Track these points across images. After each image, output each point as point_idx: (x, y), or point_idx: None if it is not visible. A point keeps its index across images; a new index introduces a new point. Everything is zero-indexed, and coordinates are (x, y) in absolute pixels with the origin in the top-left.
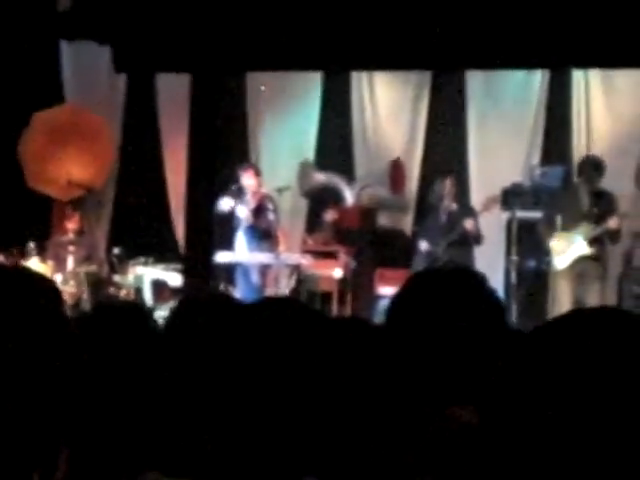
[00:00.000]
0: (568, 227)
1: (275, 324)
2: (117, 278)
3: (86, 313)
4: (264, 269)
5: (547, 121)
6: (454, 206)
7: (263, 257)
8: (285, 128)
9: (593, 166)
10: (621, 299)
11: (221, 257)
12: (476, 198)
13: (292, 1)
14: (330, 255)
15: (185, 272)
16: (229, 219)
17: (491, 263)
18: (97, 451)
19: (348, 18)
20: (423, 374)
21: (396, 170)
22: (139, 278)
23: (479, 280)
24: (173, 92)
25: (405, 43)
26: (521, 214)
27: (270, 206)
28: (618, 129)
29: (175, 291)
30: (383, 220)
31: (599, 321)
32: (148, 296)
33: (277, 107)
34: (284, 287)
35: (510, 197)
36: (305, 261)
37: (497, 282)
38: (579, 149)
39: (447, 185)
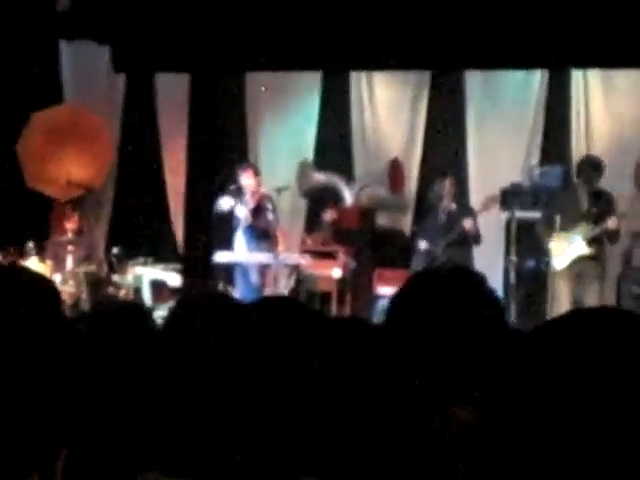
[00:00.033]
0: (567, 227)
1: (274, 324)
2: (116, 278)
3: (85, 313)
4: (263, 269)
5: (546, 121)
6: (453, 206)
7: (262, 257)
8: (284, 128)
9: (592, 166)
10: (620, 299)
11: (220, 257)
12: (475, 198)
13: (291, 1)
14: (329, 255)
15: (184, 272)
16: (228, 219)
17: (490, 263)
18: (97, 451)
19: (347, 18)
20: (423, 374)
21: (395, 170)
22: (138, 278)
23: (478, 280)
24: (172, 92)
25: (404, 43)
26: (520, 214)
27: (269, 206)
28: (617, 129)
29: (174, 291)
30: (382, 220)
31: (598, 321)
32: (147, 296)
33: (276, 107)
34: (283, 287)
35: (509, 197)
36: (304, 261)
37: (496, 282)
38: (578, 149)
39: (446, 185)
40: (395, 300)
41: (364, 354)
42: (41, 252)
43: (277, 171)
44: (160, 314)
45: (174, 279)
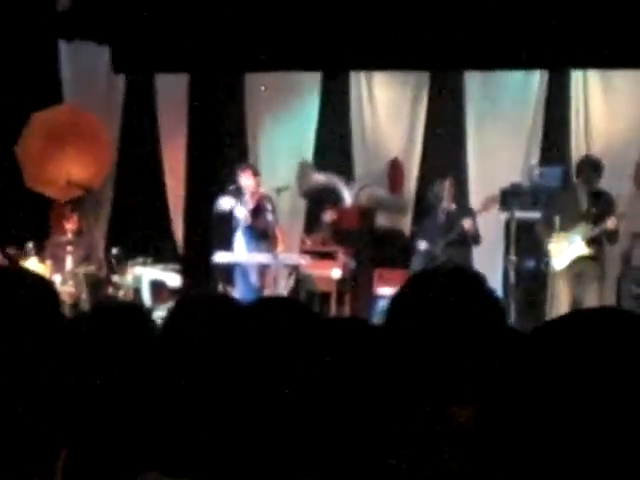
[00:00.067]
0: (566, 227)
1: (273, 324)
2: (116, 278)
3: (85, 313)
4: (263, 269)
5: (546, 121)
6: (453, 206)
7: (262, 257)
8: (284, 128)
9: (591, 166)
10: (620, 299)
11: (220, 257)
12: (475, 198)
13: (290, 2)
14: (329, 255)
15: (184, 272)
16: (228, 219)
17: (490, 263)
18: (96, 451)
19: (347, 18)
20: (422, 374)
21: (395, 170)
22: (138, 278)
23: (478, 280)
24: (172, 92)
25: (404, 43)
26: (520, 214)
27: (268, 206)
28: (616, 129)
29: (174, 291)
30: (382, 220)
31: (598, 322)
32: (147, 296)
33: (276, 107)
34: (283, 287)
35: (509, 197)
36: (304, 261)
37: (496, 282)
38: (578, 149)
39: (446, 185)
40: (395, 300)
41: (364, 355)
42: (41, 252)
43: (277, 171)
44: (159, 314)
45: (174, 279)
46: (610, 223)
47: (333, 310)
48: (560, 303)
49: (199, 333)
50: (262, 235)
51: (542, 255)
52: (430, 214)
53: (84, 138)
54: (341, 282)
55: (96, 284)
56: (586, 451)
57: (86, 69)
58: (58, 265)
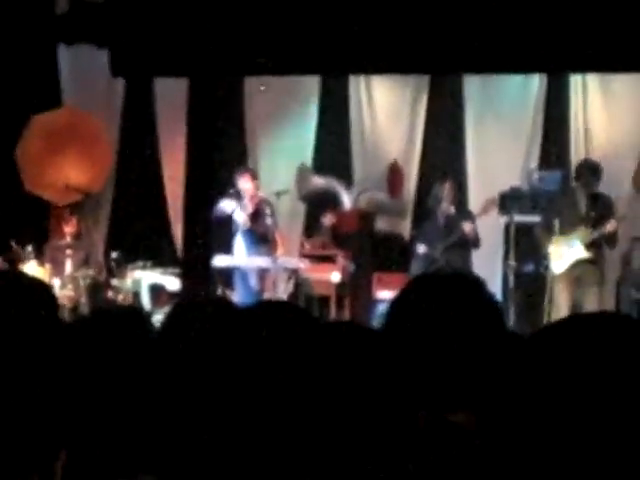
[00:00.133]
0: (566, 231)
1: (272, 328)
2: (115, 282)
3: (84, 317)
4: (262, 273)
5: (545, 125)
6: (452, 210)
7: (261, 261)
8: (283, 132)
9: (590, 170)
10: (619, 303)
11: (219, 261)
12: (474, 202)
13: (290, 5)
14: (328, 259)
15: (183, 276)
16: (227, 223)
17: (489, 267)
18: (94, 454)
19: (346, 22)
20: (421, 378)
21: (394, 174)
22: (137, 282)
23: (477, 284)
24: (171, 96)
25: (403, 47)
26: (519, 218)
27: (267, 210)
28: (616, 133)
29: (173, 295)
30: (381, 224)
31: (597, 326)
32: (146, 300)
33: (275, 111)
34: (282, 291)
35: (508, 201)
36: (303, 265)
37: (495, 286)
38: (577, 153)
39: (445, 189)
40: (394, 304)
41: (363, 359)
42: (40, 256)
43: (276, 175)
44: (159, 318)
45: (173, 283)
46: (609, 227)
47: (332, 314)
48: (559, 307)
49: (196, 337)
50: (261, 239)
51: (541, 259)
52: (429, 218)
53: (83, 142)
54: (340, 286)
55: (95, 288)
56: (585, 454)
57: (85, 72)
58: (57, 269)
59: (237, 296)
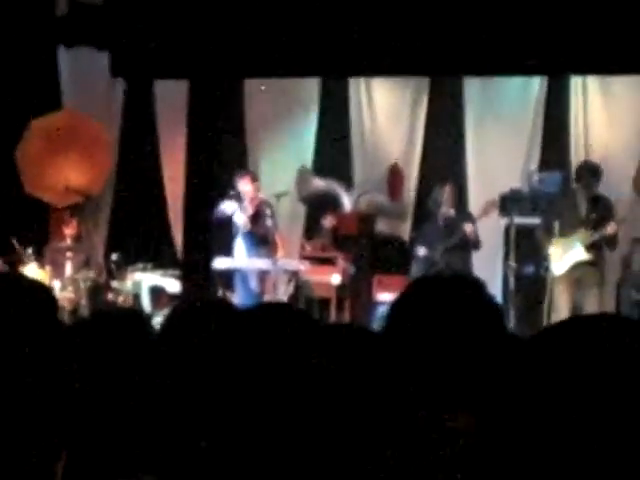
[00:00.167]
0: (566, 233)
1: (272, 331)
2: (115, 284)
3: (84, 319)
4: (262, 275)
5: (545, 127)
6: (452, 212)
7: (261, 263)
8: (283, 134)
9: (591, 172)
10: (619, 304)
11: (219, 263)
12: (474, 204)
13: (290, 8)
14: (328, 261)
15: (183, 278)
16: (228, 225)
17: (489, 269)
18: (94, 455)
19: (346, 24)
20: (422, 380)
21: (394, 176)
22: (137, 284)
23: (478, 286)
24: (171, 98)
25: (403, 49)
26: (519, 220)
27: (268, 212)
28: (616, 135)
29: (173, 297)
30: (381, 226)
31: (598, 328)
32: (146, 302)
33: (275, 113)
34: (282, 293)
35: (508, 203)
36: (303, 267)
37: (495, 288)
38: (577, 155)
39: (445, 191)
40: (394, 306)
41: (363, 361)
42: (40, 258)
43: (276, 177)
44: (159, 320)
45: (173, 285)
46: (610, 228)
47: (333, 316)
48: (560, 309)
49: (197, 339)
50: (262, 241)
51: (542, 261)
52: (429, 220)
53: (83, 144)
54: (340, 288)
55: (95, 290)
56: (586, 455)
57: (86, 75)
58: (57, 271)
59: (237, 298)
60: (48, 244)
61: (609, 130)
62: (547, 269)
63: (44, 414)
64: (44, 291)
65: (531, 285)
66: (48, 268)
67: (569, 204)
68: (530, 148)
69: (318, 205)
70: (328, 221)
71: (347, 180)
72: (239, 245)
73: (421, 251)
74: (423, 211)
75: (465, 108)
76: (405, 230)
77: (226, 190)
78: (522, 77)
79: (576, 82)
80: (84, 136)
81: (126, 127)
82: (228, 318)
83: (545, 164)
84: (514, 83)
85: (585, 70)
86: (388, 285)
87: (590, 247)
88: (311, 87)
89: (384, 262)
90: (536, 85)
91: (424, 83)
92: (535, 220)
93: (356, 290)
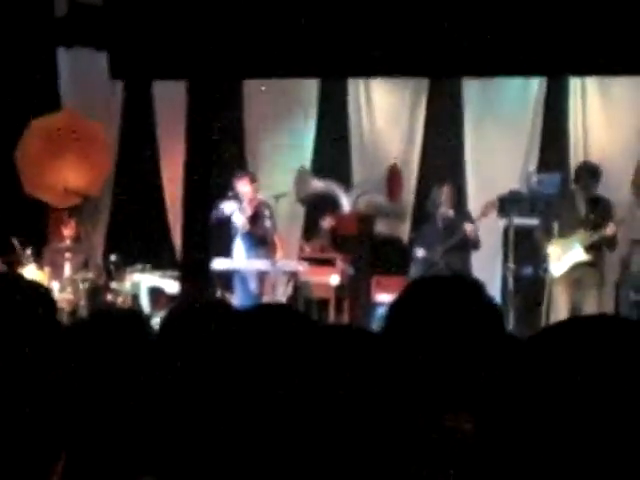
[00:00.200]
0: (565, 234)
1: (271, 331)
2: (114, 285)
3: (83, 320)
4: (261, 276)
5: (544, 128)
6: (451, 213)
7: (260, 264)
8: (282, 135)
9: (590, 173)
10: (618, 305)
11: (218, 264)
12: (473, 205)
13: (289, 8)
14: (327, 262)
15: (182, 279)
16: (227, 226)
17: (488, 270)
18: (93, 456)
19: (345, 25)
20: (421, 382)
21: (393, 177)
22: (136, 285)
23: (477, 287)
24: (170, 99)
25: (402, 50)
26: (518, 221)
27: (266, 213)
28: (615, 136)
29: (172, 298)
30: (380, 227)
31: (597, 329)
32: (145, 303)
33: (274, 114)
34: (281, 294)
35: (507, 204)
36: (302, 268)
37: (494, 289)
38: (576, 156)
39: (444, 192)
40: (393, 307)
41: (362, 362)
42: (39, 259)
43: (275, 178)
44: (158, 321)
45: (172, 286)
46: (609, 229)
47: (331, 317)
48: (559, 309)
49: (195, 340)
50: (260, 242)
51: (541, 262)
52: (428, 221)
53: (82, 144)
54: (339, 289)
55: (94, 291)
56: (585, 456)
57: (85, 75)
58: (56, 272)
59: (236, 299)
60: (47, 245)
61: (608, 131)
62: (546, 270)
63: (43, 414)
64: (43, 292)
65: (530, 286)
66: (47, 269)
67: (568, 205)
68: (529, 149)
69: (317, 206)
70: (327, 222)
71: (346, 181)
72: (238, 246)
73: (420, 252)
74: (422, 212)
75: (464, 109)
76: (404, 231)
77: (225, 191)
78: (521, 78)
79: (575, 83)
80: (83, 137)
81: (125, 128)
82: (227, 319)
83: (544, 165)
84: (513, 84)
85: (584, 71)
86: (387, 286)
87: (589, 248)
88: (310, 88)
89: (383, 263)
90: (535, 86)
91: (423, 84)
92: (534, 221)
93: (355, 291)
